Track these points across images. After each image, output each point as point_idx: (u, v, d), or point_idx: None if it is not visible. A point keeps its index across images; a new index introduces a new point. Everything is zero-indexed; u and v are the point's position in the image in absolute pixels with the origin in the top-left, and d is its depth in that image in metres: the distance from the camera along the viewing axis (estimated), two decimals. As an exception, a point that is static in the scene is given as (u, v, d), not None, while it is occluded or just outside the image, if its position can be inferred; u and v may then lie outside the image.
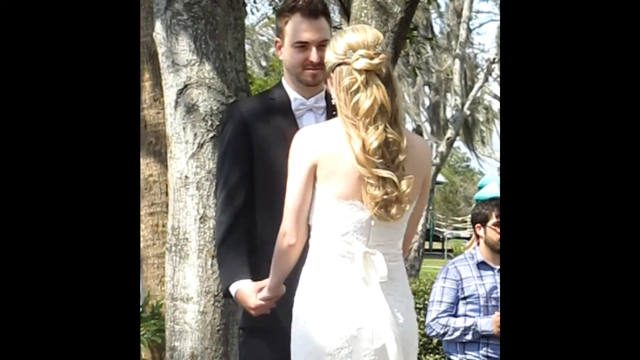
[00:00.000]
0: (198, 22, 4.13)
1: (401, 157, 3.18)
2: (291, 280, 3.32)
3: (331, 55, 3.26)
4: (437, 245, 36.85)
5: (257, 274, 3.48)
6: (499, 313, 5.21)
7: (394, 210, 3.18)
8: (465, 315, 5.28)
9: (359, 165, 3.14)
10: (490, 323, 5.21)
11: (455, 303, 5.30)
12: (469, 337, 5.24)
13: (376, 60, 3.19)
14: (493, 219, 5.36)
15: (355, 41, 3.21)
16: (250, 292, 3.42)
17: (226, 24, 4.20)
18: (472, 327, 5.22)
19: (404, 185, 3.18)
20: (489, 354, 5.28)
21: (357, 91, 3.17)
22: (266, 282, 3.38)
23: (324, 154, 3.20)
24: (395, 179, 3.16)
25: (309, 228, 3.27)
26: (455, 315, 5.27)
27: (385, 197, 3.15)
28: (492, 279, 5.33)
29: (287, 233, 3.25)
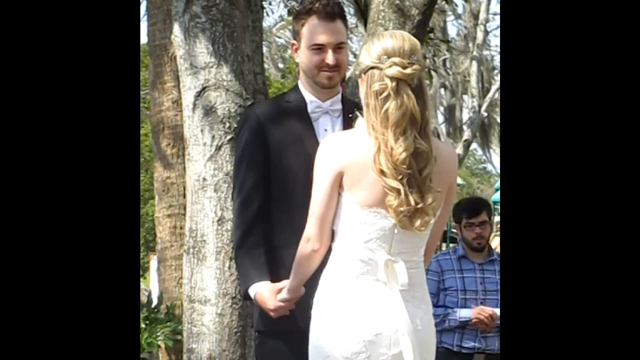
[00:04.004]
0: (216, 25, 4.14)
1: (428, 170, 3.15)
2: (310, 283, 3.32)
3: (365, 57, 3.22)
4: (454, 246, 36.77)
5: (276, 276, 3.49)
6: (477, 306, 5.42)
7: (418, 223, 3.16)
8: (445, 306, 5.46)
9: (377, 176, 3.12)
10: (469, 311, 5.41)
11: (436, 294, 5.45)
12: (446, 324, 5.43)
13: (409, 70, 3.14)
14: (464, 220, 5.58)
15: (391, 47, 3.17)
16: (270, 293, 3.42)
17: (244, 27, 4.21)
18: (451, 315, 5.42)
19: (429, 198, 3.16)
20: (463, 344, 5.47)
21: (387, 98, 3.13)
22: (285, 284, 3.39)
23: (350, 162, 3.17)
24: (414, 188, 3.12)
25: (332, 233, 3.26)
26: (436, 305, 5.37)
27: (406, 207, 3.13)
28: (472, 273, 5.54)
29: (312, 239, 3.24)
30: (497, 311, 5.42)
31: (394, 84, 3.14)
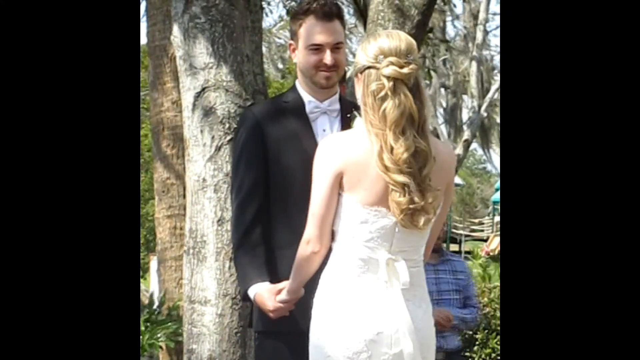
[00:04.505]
0: (215, 25, 4.14)
1: (427, 169, 3.14)
2: (309, 282, 3.31)
3: (362, 57, 3.21)
4: (454, 247, 36.79)
5: (275, 276, 3.49)
6: (438, 309, 5.44)
7: (421, 221, 3.17)
8: None
9: (382, 172, 3.11)
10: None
11: None
12: None
13: (405, 70, 3.14)
14: None
15: (387, 47, 3.16)
16: (269, 294, 3.42)
17: (243, 27, 4.20)
18: None
19: (430, 197, 3.16)
20: None
21: (384, 98, 3.13)
22: (284, 285, 3.38)
23: (350, 162, 3.17)
24: (414, 186, 3.12)
25: (332, 234, 3.26)
26: None
27: (411, 205, 3.13)
28: (426, 275, 5.56)
29: (312, 241, 3.23)
30: (452, 312, 5.50)
31: (391, 83, 3.13)
